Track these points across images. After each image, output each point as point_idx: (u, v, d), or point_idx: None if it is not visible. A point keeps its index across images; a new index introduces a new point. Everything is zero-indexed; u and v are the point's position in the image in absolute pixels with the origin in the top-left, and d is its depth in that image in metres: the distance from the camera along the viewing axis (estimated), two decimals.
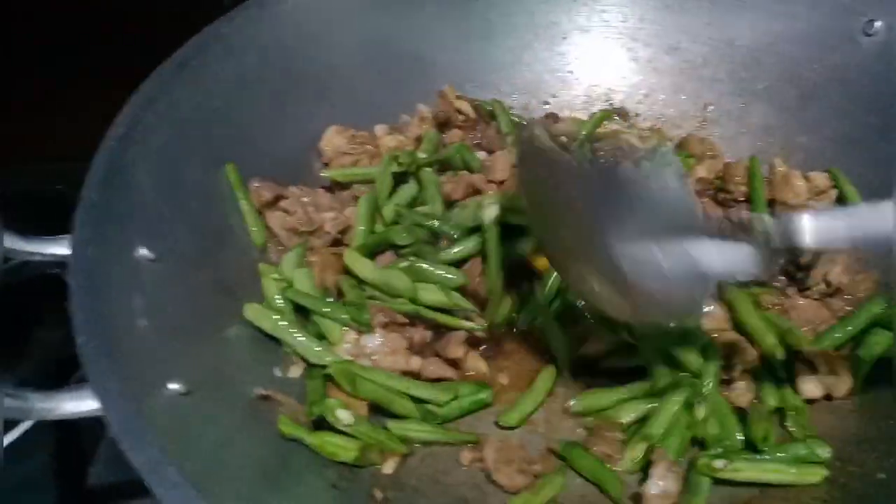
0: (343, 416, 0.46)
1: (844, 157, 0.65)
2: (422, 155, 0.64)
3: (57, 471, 0.53)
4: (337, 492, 0.43)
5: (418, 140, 0.67)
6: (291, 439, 0.45)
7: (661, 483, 0.44)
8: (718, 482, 0.46)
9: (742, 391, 0.51)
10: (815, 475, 0.46)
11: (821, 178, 0.63)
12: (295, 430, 0.45)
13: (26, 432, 0.56)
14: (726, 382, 0.52)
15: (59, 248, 0.44)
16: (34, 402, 0.36)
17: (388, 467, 0.46)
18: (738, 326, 0.53)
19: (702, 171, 0.66)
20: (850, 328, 0.53)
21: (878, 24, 0.64)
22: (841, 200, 0.63)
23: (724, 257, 0.40)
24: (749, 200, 0.63)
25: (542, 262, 0.56)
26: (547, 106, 0.75)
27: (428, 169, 0.63)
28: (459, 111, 0.68)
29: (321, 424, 0.46)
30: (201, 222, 0.53)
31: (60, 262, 0.44)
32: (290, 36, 0.64)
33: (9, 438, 0.54)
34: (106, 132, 0.50)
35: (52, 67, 0.78)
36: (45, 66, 0.78)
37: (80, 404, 0.37)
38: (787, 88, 0.69)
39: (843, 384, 0.50)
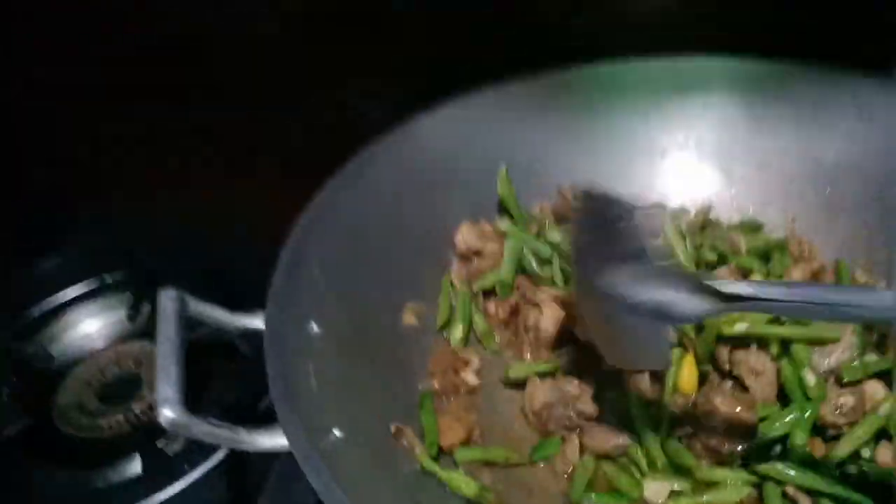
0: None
1: None
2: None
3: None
4: None
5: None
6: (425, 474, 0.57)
7: None
8: None
9: None
10: None
11: None
12: (432, 466, 0.57)
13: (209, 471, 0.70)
14: None
15: (255, 322, 0.59)
16: (242, 434, 0.49)
17: None
18: None
19: (797, 272, 0.72)
20: None
21: None
22: None
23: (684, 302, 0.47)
24: None
25: None
26: None
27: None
28: None
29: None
30: (354, 304, 0.66)
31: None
32: (427, 151, 0.79)
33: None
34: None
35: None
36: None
37: (272, 440, 0.50)
38: (871, 204, 0.75)
39: None
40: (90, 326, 0.90)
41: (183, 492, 0.68)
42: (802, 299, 0.44)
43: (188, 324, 0.55)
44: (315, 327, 0.61)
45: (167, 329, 0.52)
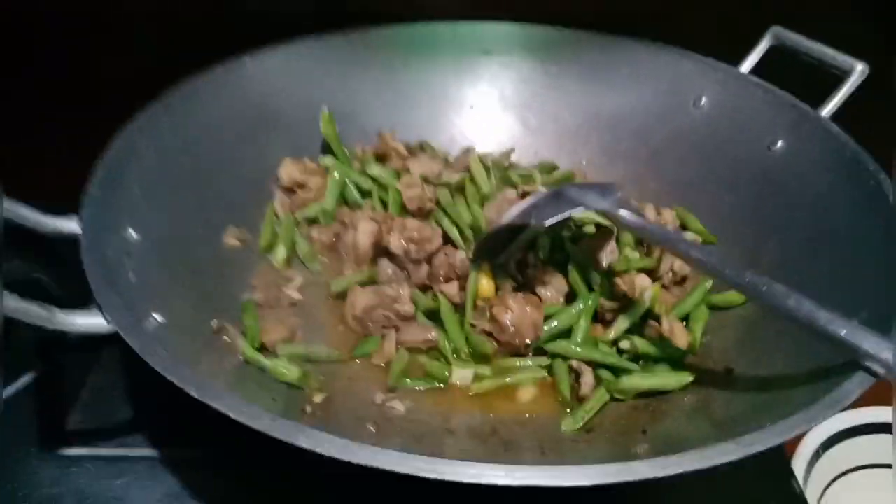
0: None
1: (682, 197, 0.84)
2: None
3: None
4: (276, 403, 0.56)
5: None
6: (247, 365, 0.59)
7: None
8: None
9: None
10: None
11: (668, 213, 0.82)
12: (254, 355, 0.59)
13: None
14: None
15: (70, 225, 0.58)
16: (56, 313, 0.49)
17: (318, 398, 0.59)
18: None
19: None
20: (681, 309, 0.70)
21: (704, 99, 0.85)
22: (684, 227, 0.81)
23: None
24: None
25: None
26: None
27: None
28: (395, 150, 0.86)
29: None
30: (174, 219, 0.68)
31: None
32: (250, 92, 0.82)
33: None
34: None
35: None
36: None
37: (87, 320, 0.50)
38: (640, 147, 0.88)
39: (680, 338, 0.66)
40: None
41: None
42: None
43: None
44: (133, 234, 0.61)
45: None
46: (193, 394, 0.43)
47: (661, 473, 0.40)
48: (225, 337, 0.61)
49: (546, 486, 0.39)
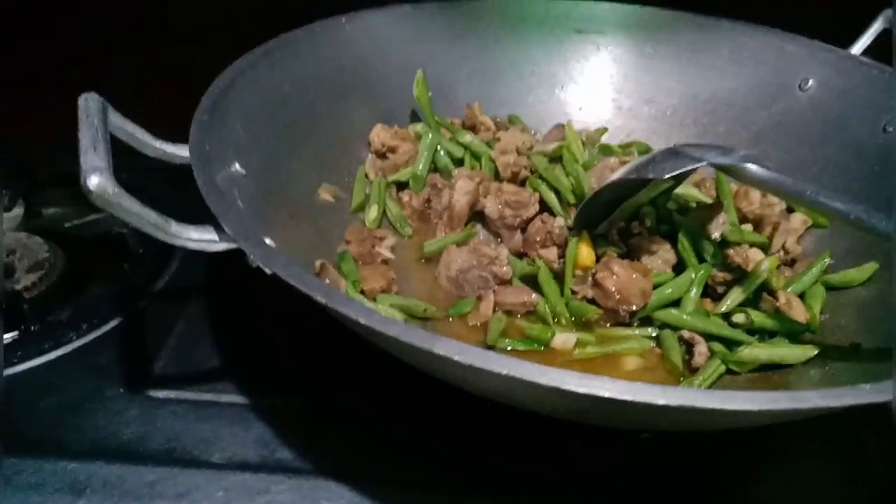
0: None
1: None
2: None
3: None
4: None
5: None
6: None
7: None
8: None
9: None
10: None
11: (773, 196, 0.77)
12: (359, 297, 0.60)
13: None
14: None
15: (176, 150, 0.57)
16: (172, 224, 0.47)
17: None
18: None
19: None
20: (798, 285, 0.66)
21: (811, 81, 0.82)
22: (790, 210, 0.77)
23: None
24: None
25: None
26: None
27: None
28: (483, 123, 0.83)
29: None
30: (272, 166, 0.66)
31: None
32: (344, 52, 0.80)
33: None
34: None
35: None
36: None
37: (203, 236, 0.48)
38: (740, 131, 0.85)
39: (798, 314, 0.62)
40: None
41: (68, 356, 0.63)
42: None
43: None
44: (238, 167, 0.59)
45: (90, 120, 0.48)
46: (320, 299, 0.40)
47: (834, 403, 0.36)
48: (327, 280, 0.58)
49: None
